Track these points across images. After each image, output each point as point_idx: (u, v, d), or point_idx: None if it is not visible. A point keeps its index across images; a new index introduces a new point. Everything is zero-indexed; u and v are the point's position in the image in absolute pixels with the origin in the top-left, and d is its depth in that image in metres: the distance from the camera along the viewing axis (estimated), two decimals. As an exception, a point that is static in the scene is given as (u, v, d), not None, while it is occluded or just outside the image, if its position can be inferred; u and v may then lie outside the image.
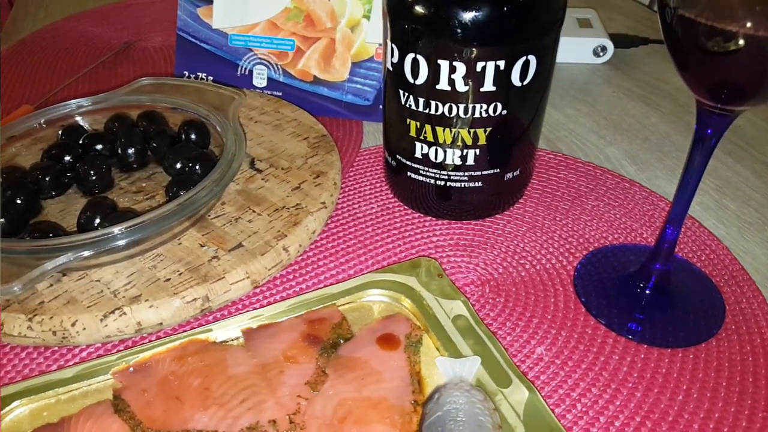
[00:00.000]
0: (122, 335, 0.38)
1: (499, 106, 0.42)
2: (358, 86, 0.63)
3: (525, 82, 0.42)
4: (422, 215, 0.50)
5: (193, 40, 0.67)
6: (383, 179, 0.54)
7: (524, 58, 0.41)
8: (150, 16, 0.88)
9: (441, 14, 0.39)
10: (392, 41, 0.43)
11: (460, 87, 0.41)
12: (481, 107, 0.42)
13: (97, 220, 0.42)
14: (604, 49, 0.73)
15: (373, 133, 0.62)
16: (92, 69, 0.74)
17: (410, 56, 0.42)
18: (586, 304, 0.42)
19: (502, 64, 0.40)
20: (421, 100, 0.43)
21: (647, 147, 0.59)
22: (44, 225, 0.42)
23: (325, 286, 0.44)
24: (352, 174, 0.55)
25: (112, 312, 0.38)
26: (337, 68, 0.63)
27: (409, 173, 0.47)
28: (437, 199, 0.48)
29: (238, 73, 0.66)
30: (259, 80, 0.66)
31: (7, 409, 0.34)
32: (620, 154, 0.58)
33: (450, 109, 0.42)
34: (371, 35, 0.62)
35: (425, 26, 0.40)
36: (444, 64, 0.40)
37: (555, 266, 0.45)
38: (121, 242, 0.37)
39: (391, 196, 0.52)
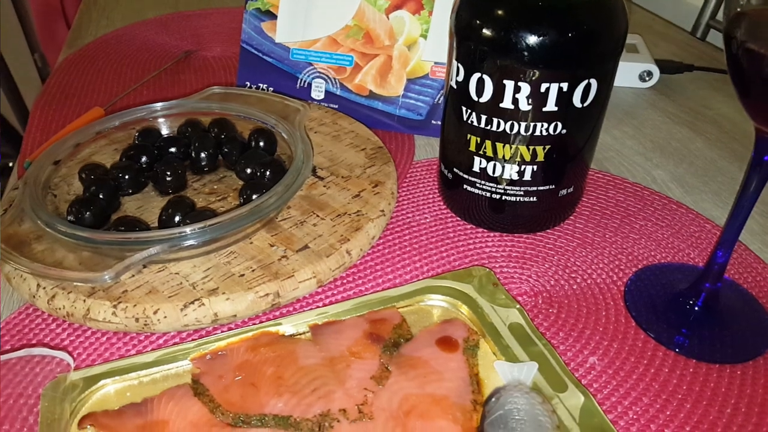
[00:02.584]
0: (199, 325, 0.41)
1: (559, 125, 0.44)
2: (412, 101, 0.66)
3: (585, 104, 0.44)
4: (474, 227, 0.52)
5: (256, 52, 0.70)
6: (436, 191, 0.57)
7: (586, 82, 0.43)
8: (208, 27, 0.92)
9: (510, 38, 0.41)
10: (458, 60, 0.45)
11: (523, 106, 0.43)
12: (542, 126, 0.44)
13: (178, 217, 0.44)
14: (650, 74, 0.75)
15: (424, 147, 0.64)
16: (156, 75, 0.78)
17: (476, 75, 0.44)
18: (637, 318, 0.44)
19: (565, 86, 0.42)
20: (484, 117, 0.45)
21: (693, 171, 0.61)
22: (128, 219, 0.45)
23: (384, 288, 0.46)
24: (405, 185, 0.58)
25: (192, 303, 0.41)
26: (393, 84, 0.66)
27: (465, 186, 0.50)
28: (491, 212, 0.50)
29: (298, 85, 0.69)
30: (317, 93, 0.69)
31: (95, 387, 0.37)
32: (667, 177, 0.60)
33: (511, 127, 0.45)
34: (427, 53, 0.65)
35: (493, 48, 0.42)
36: (509, 84, 0.43)
37: (605, 281, 0.47)
38: (203, 238, 0.40)
39: (444, 207, 0.55)
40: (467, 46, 0.44)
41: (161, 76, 0.78)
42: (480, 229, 0.52)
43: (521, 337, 0.40)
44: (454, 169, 0.50)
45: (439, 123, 0.65)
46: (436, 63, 0.64)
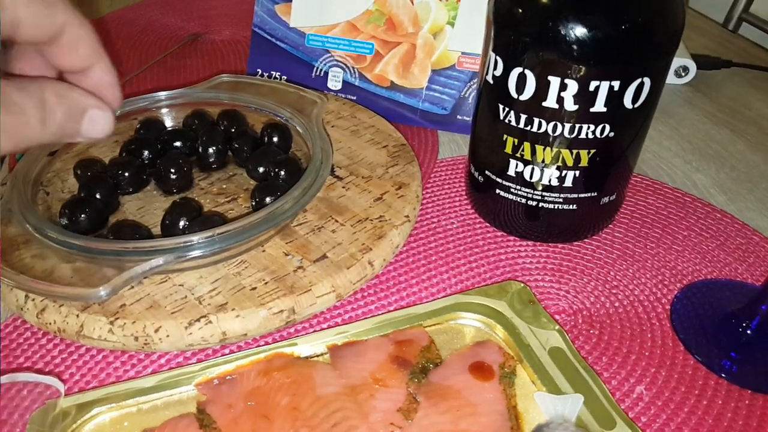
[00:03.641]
0: (205, 344, 0.37)
1: (607, 127, 0.40)
2: (436, 94, 0.61)
3: (636, 105, 0.40)
4: (506, 234, 0.48)
5: (268, 37, 0.66)
6: (463, 193, 0.52)
7: (639, 80, 0.38)
8: (217, 8, 0.88)
9: (558, 28, 0.37)
10: (496, 53, 0.41)
11: (569, 106, 0.39)
12: (588, 128, 0.40)
13: (183, 223, 0.40)
14: (686, 69, 0.70)
15: (448, 144, 0.60)
16: (160, 60, 0.73)
17: (516, 70, 0.40)
18: (685, 342, 0.40)
19: (616, 84, 0.38)
20: (523, 117, 0.41)
21: (735, 176, 0.56)
22: (127, 224, 0.41)
23: (408, 304, 0.42)
24: (429, 186, 0.54)
25: (198, 320, 0.37)
26: (416, 75, 0.62)
27: (497, 190, 0.45)
28: (526, 219, 0.46)
29: (313, 74, 0.65)
30: (334, 83, 0.64)
31: (88, 416, 0.33)
32: (708, 182, 0.55)
33: (554, 128, 0.40)
34: (454, 43, 0.60)
35: (538, 40, 0.38)
36: (554, 81, 0.38)
37: (649, 298, 0.43)
38: (212, 249, 0.36)
39: (472, 211, 0.50)
40: (508, 36, 0.40)
41: (165, 61, 0.74)
42: (512, 237, 0.48)
43: (563, 363, 0.36)
44: (486, 172, 0.46)
45: (466, 118, 0.60)
46: (463, 53, 0.60)
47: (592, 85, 0.38)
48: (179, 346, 0.37)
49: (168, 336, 0.36)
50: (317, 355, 0.37)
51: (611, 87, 0.38)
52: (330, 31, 0.64)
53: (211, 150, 0.48)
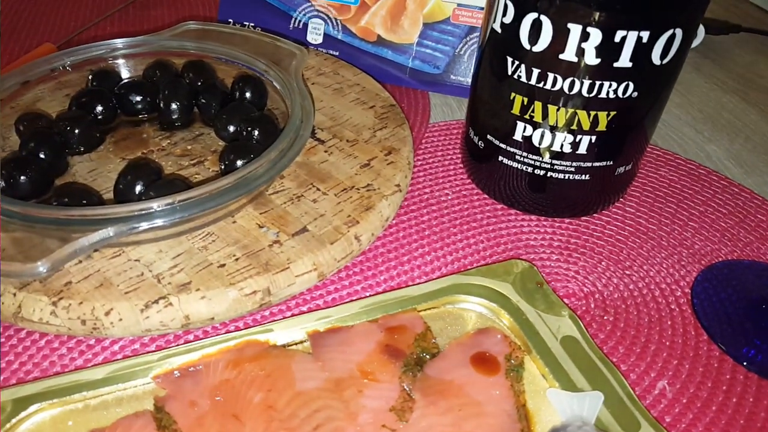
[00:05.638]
0: (165, 329, 0.32)
1: (631, 86, 0.35)
2: (428, 51, 0.55)
3: (664, 61, 0.35)
4: (506, 207, 0.43)
5: (241, -17, 0.59)
6: (458, 162, 0.47)
7: (671, 32, 0.33)
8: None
9: (582, -32, 0.31)
10: (506, -3, 0.36)
11: (590, 59, 0.34)
12: (610, 86, 0.35)
13: (139, 188, 0.34)
14: (693, 32, 0.65)
15: (440, 107, 0.55)
16: (122, 9, 0.66)
17: (531, 16, 0.34)
18: (709, 331, 0.36)
19: (645, 35, 0.33)
20: (536, 71, 0.36)
21: (750, 148, 0.52)
22: (75, 188, 0.35)
23: (399, 285, 0.37)
24: (420, 153, 0.48)
25: (156, 302, 0.31)
26: (406, 28, 0.56)
27: (500, 158, 0.40)
28: (530, 191, 0.41)
29: (291, 25, 0.58)
30: (314, 36, 0.58)
31: (24, 414, 0.28)
32: (722, 154, 0.51)
33: (571, 85, 0.35)
34: (449, -6, 0.54)
35: (558, -19, 0.33)
36: (575, 30, 0.33)
37: (666, 280, 0.38)
38: (173, 218, 0.31)
39: (469, 181, 0.45)
40: (520, -22, 0.34)
41: (128, 10, 0.67)
42: (513, 211, 0.43)
43: (577, 355, 0.31)
44: (488, 137, 0.41)
45: (460, 79, 0.55)
46: (459, 5, 0.54)
47: (618, 35, 0.33)
48: (134, 331, 0.31)
49: (121, 320, 0.31)
50: (296, 343, 0.32)
51: (639, 38, 0.33)
52: (311, -23, 0.57)
53: (174, 106, 0.42)
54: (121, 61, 0.46)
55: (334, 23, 0.57)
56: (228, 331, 0.33)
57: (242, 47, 0.46)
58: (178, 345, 0.31)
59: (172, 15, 0.66)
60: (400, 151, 0.43)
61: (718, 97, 0.59)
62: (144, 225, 0.30)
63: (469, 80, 0.55)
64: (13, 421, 0.28)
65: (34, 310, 0.31)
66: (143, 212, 0.30)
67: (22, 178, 0.34)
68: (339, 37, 0.57)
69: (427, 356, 0.32)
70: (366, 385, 0.30)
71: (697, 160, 0.50)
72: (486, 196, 0.44)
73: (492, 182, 0.43)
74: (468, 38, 0.55)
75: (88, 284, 0.32)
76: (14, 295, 0.31)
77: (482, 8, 0.54)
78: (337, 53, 0.58)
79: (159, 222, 0.30)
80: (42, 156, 0.37)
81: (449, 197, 0.44)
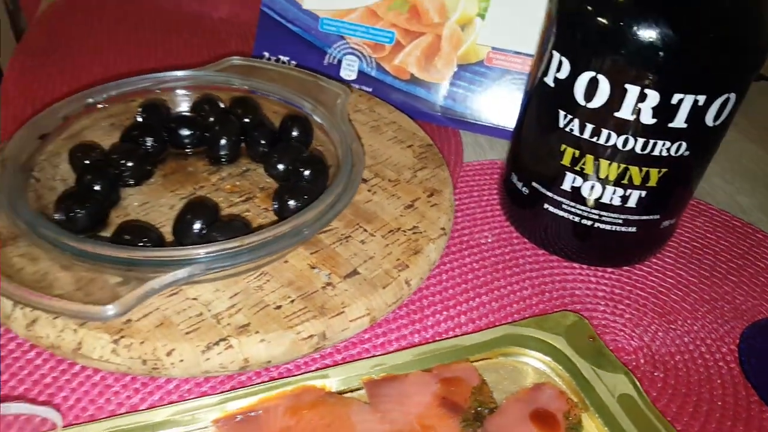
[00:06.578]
0: (223, 371, 0.32)
1: (684, 145, 0.36)
2: (461, 91, 0.56)
3: (717, 122, 0.35)
4: (547, 253, 0.43)
5: (278, 18, 0.60)
6: (495, 204, 0.48)
7: (726, 96, 0.34)
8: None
9: (646, 32, 0.32)
10: (562, 52, 0.36)
11: (646, 119, 0.35)
12: (664, 144, 0.35)
13: (198, 226, 0.35)
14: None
15: (471, 146, 0.55)
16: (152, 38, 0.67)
17: (587, 74, 0.35)
18: (759, 390, 0.36)
19: (702, 99, 0.34)
20: (589, 126, 0.36)
21: (777, 199, 0.53)
22: (137, 227, 0.35)
23: (446, 330, 0.37)
24: (456, 193, 0.49)
25: (217, 343, 0.31)
26: (439, 69, 0.57)
27: (546, 205, 0.41)
28: (575, 239, 0.41)
29: (325, 61, 0.59)
30: (348, 72, 0.59)
31: (86, 456, 0.28)
32: (754, 206, 0.52)
33: (625, 142, 0.36)
34: (484, 37, 0.55)
35: (620, 43, 0.33)
36: (632, 90, 0.34)
37: (711, 336, 0.39)
38: (243, 260, 0.31)
39: (507, 225, 0.46)
40: (579, 35, 0.35)
41: (166, 41, 0.67)
42: (554, 257, 0.43)
43: (635, 414, 0.32)
44: (533, 183, 0.41)
45: (492, 120, 0.56)
46: (494, 48, 0.55)
47: (676, 98, 0.34)
48: (193, 372, 0.31)
49: (182, 361, 0.31)
50: (351, 390, 0.32)
51: (695, 101, 0.34)
52: (347, 15, 0.58)
53: (223, 141, 0.43)
54: (167, 94, 0.46)
55: (368, 60, 0.58)
56: (281, 375, 0.33)
57: (285, 84, 0.47)
58: (236, 390, 0.31)
59: (203, 45, 0.67)
60: (443, 193, 0.44)
61: (743, 146, 0.60)
62: (215, 267, 0.30)
63: (501, 122, 0.55)
64: (76, 462, 0.27)
65: (95, 347, 0.31)
66: (214, 254, 0.31)
67: (81, 212, 0.35)
68: (372, 74, 0.58)
69: (485, 411, 0.32)
70: (426, 437, 0.30)
71: (730, 211, 0.50)
72: (525, 240, 0.44)
73: (535, 228, 0.43)
74: (501, 80, 0.56)
75: (148, 322, 0.32)
76: (75, 331, 0.31)
77: (516, 52, 0.55)
78: (370, 90, 0.58)
79: (227, 264, 0.31)
80: (98, 188, 0.37)
81: (489, 240, 0.44)
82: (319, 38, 0.59)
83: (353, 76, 0.59)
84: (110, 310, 0.28)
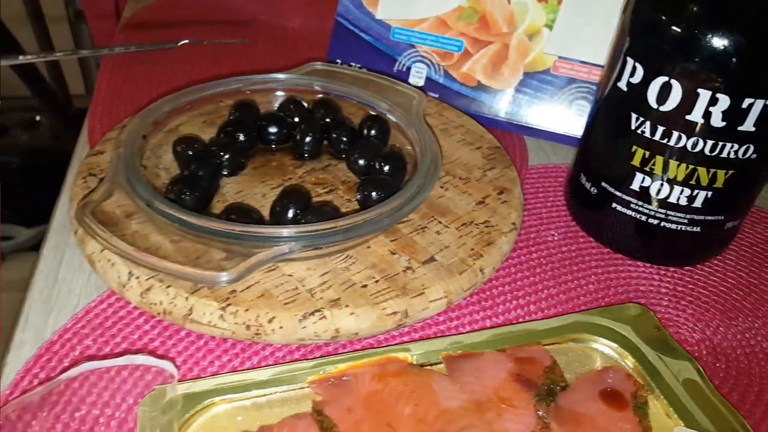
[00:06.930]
0: (317, 340, 0.35)
1: (752, 148, 0.38)
2: (526, 98, 0.59)
3: (784, 127, 0.37)
4: (612, 251, 0.45)
5: (351, 27, 0.63)
6: (559, 204, 0.50)
7: (795, 101, 0.36)
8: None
9: (718, 40, 0.34)
10: (635, 58, 0.39)
11: (716, 122, 0.37)
12: (732, 147, 0.37)
13: (293, 212, 0.38)
14: None
15: (536, 151, 0.58)
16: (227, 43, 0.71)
17: (660, 79, 0.37)
18: (817, 384, 0.37)
19: (771, 103, 0.36)
20: (661, 128, 0.39)
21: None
22: (242, 208, 0.39)
23: (516, 317, 0.40)
24: (524, 194, 0.51)
25: (312, 313, 0.34)
26: (506, 76, 0.59)
27: (614, 204, 0.43)
28: (640, 238, 0.43)
29: (395, 68, 0.62)
30: (416, 79, 0.62)
31: (200, 406, 0.31)
32: (814, 215, 0.53)
33: (695, 144, 0.38)
34: (551, 46, 0.58)
35: (694, 51, 0.36)
36: (704, 95, 0.36)
37: (772, 334, 0.40)
38: (337, 239, 0.34)
39: (573, 224, 0.48)
40: (653, 42, 0.38)
41: (238, 49, 0.71)
42: (618, 255, 0.45)
43: (699, 397, 0.33)
44: (602, 184, 0.43)
45: (556, 126, 0.58)
46: (561, 57, 0.58)
47: (746, 102, 0.36)
48: (291, 339, 0.34)
49: (281, 327, 0.34)
50: (431, 364, 0.35)
51: (765, 106, 0.36)
52: (418, 25, 0.61)
53: (308, 138, 0.46)
54: (255, 95, 0.50)
55: (437, 68, 0.61)
56: (367, 346, 0.36)
57: (364, 88, 0.50)
58: (329, 356, 0.34)
59: (277, 53, 0.70)
60: (512, 191, 0.46)
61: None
62: (311, 244, 0.33)
63: (564, 128, 0.58)
64: (191, 411, 0.31)
65: (205, 313, 0.34)
66: (311, 233, 0.34)
67: (190, 194, 0.38)
68: (440, 81, 0.61)
69: (557, 388, 0.34)
70: (504, 409, 0.32)
71: (789, 219, 0.51)
72: (590, 239, 0.46)
73: (601, 227, 0.45)
74: (566, 88, 0.58)
75: (251, 294, 0.35)
76: (186, 298, 0.34)
77: (582, 62, 0.57)
78: (437, 96, 0.61)
79: (322, 242, 0.34)
80: (201, 175, 0.41)
81: (555, 238, 0.47)
82: (390, 46, 0.62)
83: (421, 82, 0.62)
84: (224, 276, 0.31)
